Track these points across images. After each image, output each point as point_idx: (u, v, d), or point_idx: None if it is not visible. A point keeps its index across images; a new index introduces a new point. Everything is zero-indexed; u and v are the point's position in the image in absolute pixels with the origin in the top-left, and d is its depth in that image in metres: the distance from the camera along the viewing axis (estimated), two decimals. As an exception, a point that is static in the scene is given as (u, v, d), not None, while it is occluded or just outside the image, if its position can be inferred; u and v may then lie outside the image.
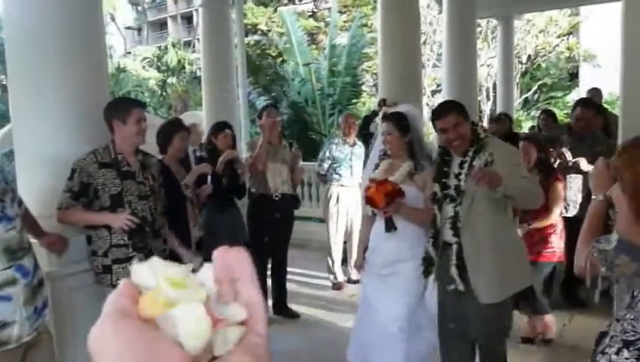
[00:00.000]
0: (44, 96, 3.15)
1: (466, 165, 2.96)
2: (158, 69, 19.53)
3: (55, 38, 3.15)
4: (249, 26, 16.73)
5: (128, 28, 34.23)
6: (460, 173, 2.98)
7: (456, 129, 2.94)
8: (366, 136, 6.06)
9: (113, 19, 28.98)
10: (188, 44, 24.21)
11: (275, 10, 19.50)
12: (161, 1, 34.52)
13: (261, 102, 13.04)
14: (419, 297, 3.45)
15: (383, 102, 6.06)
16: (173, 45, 20.47)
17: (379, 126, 5.38)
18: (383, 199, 3.22)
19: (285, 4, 20.85)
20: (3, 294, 2.28)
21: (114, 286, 2.96)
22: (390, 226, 3.36)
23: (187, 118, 6.13)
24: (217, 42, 7.85)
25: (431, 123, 3.17)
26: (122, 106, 3.12)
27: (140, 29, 35.09)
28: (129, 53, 23.82)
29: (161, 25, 35.09)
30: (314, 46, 18.02)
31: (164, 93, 18.62)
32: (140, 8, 34.13)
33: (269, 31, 16.00)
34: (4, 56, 3.34)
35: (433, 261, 3.17)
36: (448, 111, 2.98)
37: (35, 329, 2.42)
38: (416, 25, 7.03)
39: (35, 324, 2.42)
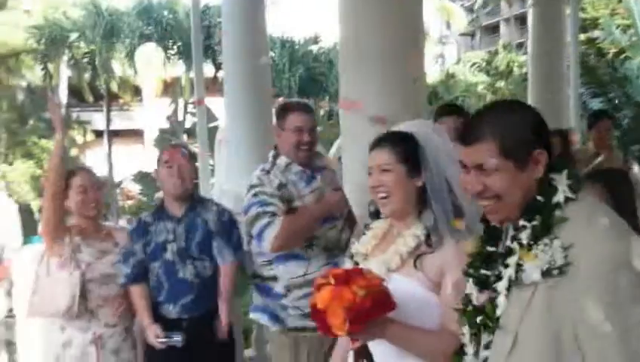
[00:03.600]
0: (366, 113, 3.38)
1: (513, 259, 1.34)
2: (487, 73, 19.47)
3: (378, 55, 3.37)
4: (588, 21, 15.26)
5: (462, 34, 34.97)
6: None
7: (483, 175, 1.34)
8: None
9: (449, 26, 30.04)
10: (520, 45, 23.49)
11: (620, 1, 17.34)
12: (494, 5, 34.29)
13: (596, 104, 11.78)
14: None
15: None
16: (504, 47, 20.13)
17: None
18: (341, 319, 1.48)
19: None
20: None
21: None
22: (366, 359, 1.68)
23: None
24: (547, 42, 7.41)
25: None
26: None
27: (473, 35, 35.50)
28: (459, 59, 24.38)
29: (494, 29, 34.85)
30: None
31: (492, 98, 18.47)
32: (473, 14, 34.56)
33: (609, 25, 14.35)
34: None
35: None
36: (479, 133, 1.35)
37: None
38: None
39: None
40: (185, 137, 14.90)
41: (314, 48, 18.19)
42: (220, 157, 7.40)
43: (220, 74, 16.77)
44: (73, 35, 17.45)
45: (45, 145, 20.36)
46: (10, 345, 3.38)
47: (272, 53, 14.02)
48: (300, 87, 16.17)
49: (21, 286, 3.21)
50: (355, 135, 3.44)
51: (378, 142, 1.82)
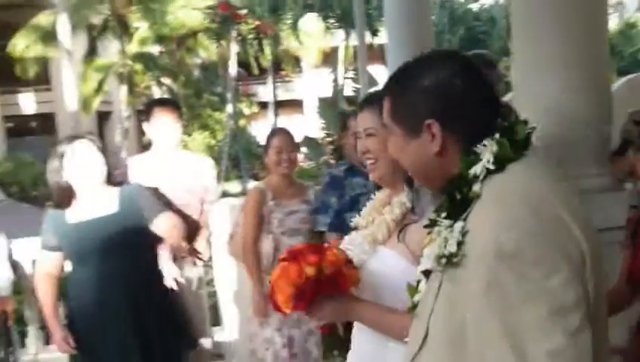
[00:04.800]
0: (544, 63, 3.24)
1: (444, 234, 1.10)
2: (677, 21, 17.20)
3: (556, 6, 3.21)
4: None
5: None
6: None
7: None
8: None
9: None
10: None
11: None
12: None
13: None
14: None
15: None
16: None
17: None
18: (286, 296, 1.43)
19: None
20: None
21: None
22: (335, 345, 1.60)
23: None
24: None
25: None
26: None
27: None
28: (643, 6, 21.77)
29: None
30: None
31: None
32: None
33: None
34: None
35: None
36: (385, 90, 1.25)
37: None
38: None
39: None
40: (345, 105, 15.29)
41: (474, 7, 17.48)
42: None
43: (376, 41, 16.85)
44: (242, 12, 18.58)
45: (218, 117, 22.23)
46: (210, 288, 3.85)
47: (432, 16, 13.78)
48: (461, 47, 15.66)
49: (219, 235, 3.65)
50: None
51: (364, 104, 1.71)
